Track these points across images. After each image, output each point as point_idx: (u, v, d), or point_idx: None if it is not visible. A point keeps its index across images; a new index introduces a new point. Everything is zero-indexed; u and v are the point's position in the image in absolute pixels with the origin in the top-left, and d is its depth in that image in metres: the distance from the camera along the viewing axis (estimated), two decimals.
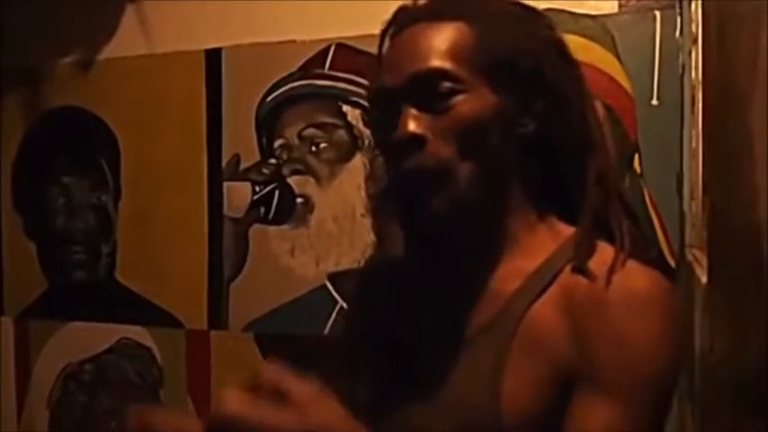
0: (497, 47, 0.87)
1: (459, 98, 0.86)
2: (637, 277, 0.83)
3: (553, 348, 0.83)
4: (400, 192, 0.91)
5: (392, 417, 0.89)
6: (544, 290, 0.86)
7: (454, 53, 0.87)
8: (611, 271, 0.83)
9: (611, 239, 0.86)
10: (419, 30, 0.89)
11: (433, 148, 0.86)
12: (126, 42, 2.06)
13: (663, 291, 0.83)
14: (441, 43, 0.87)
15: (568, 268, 0.86)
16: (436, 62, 0.87)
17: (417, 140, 0.86)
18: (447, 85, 0.86)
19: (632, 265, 0.84)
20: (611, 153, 0.91)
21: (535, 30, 0.91)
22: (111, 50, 2.08)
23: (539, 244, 0.89)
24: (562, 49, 0.92)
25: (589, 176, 0.88)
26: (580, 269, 0.84)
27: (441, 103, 0.86)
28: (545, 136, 0.90)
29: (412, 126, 0.86)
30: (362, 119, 1.83)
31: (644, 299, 0.82)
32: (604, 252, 0.85)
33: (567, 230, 0.90)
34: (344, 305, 1.82)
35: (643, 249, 0.87)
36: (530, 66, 0.88)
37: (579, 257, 0.85)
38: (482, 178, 0.87)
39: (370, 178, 1.82)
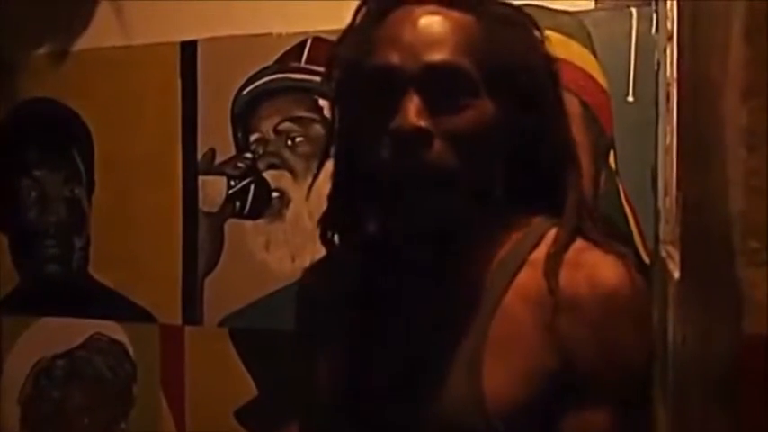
0: (502, 56, 0.82)
1: (468, 102, 0.80)
2: (602, 270, 0.83)
3: (528, 340, 0.84)
4: (381, 188, 0.83)
5: (372, 410, 0.89)
6: (512, 280, 0.86)
7: (471, 53, 0.81)
8: (577, 265, 0.83)
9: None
10: (431, 12, 0.82)
11: (438, 149, 0.78)
12: (101, 33, 2.03)
13: (629, 282, 0.84)
14: (459, 38, 0.81)
15: (535, 257, 0.86)
16: (457, 58, 0.80)
17: (423, 136, 0.78)
18: (461, 85, 0.80)
19: (596, 255, 0.84)
20: (585, 175, 0.92)
21: (532, 41, 0.89)
22: (86, 42, 2.05)
23: (503, 232, 0.89)
24: (550, 64, 0.90)
25: (570, 199, 0.89)
26: (553, 264, 0.85)
27: (449, 102, 0.80)
28: (525, 149, 0.89)
29: (418, 118, 0.78)
30: None
31: (614, 295, 0.82)
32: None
33: (527, 218, 0.90)
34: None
35: (613, 245, 0.88)
36: (527, 82, 0.85)
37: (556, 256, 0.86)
38: (474, 191, 0.84)
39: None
